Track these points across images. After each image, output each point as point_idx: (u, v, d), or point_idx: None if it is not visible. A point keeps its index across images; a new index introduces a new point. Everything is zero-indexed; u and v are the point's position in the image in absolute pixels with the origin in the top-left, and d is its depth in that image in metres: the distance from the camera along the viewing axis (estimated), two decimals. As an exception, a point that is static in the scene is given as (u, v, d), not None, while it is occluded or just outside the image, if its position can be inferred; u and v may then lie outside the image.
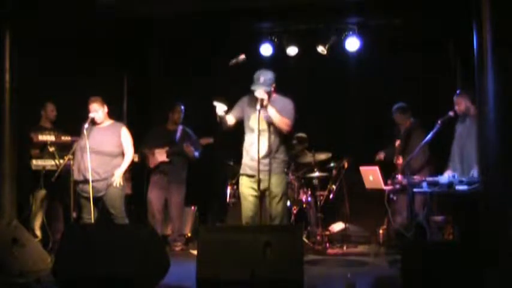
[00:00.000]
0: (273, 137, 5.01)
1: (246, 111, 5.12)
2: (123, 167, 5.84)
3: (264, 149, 4.95)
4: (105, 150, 5.76)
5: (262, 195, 4.98)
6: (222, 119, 4.96)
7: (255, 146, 4.84)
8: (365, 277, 4.96)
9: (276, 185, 5.00)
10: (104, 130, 5.84)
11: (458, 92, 5.35)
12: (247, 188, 5.04)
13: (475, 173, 4.91)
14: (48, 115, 6.42)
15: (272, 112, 4.90)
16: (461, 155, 5.19)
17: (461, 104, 5.21)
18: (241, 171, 5.11)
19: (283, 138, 5.08)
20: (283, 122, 4.93)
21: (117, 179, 5.78)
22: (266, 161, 4.96)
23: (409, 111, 6.48)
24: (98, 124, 5.82)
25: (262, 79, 4.95)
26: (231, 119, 5.08)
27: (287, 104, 5.08)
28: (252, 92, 4.96)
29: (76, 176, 5.74)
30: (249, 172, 5.01)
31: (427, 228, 6.06)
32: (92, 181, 5.67)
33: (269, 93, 4.93)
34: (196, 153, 6.68)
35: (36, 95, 6.37)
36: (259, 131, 4.83)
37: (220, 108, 4.91)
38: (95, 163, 5.70)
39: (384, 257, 5.95)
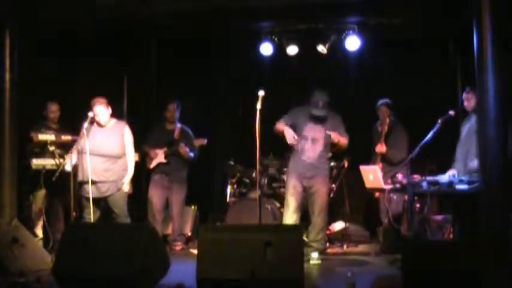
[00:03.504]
0: (323, 146, 5.92)
1: (299, 121, 5.96)
2: (131, 171, 5.89)
3: (315, 154, 5.88)
4: (109, 153, 5.77)
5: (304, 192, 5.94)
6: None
7: (307, 151, 5.87)
8: (365, 277, 4.96)
9: (323, 184, 5.91)
10: (107, 132, 5.83)
11: (467, 88, 5.32)
12: (297, 181, 5.89)
13: (474, 163, 4.90)
14: (49, 116, 6.40)
15: (340, 140, 5.87)
16: (467, 153, 5.17)
17: (472, 99, 5.18)
18: (290, 171, 6.01)
19: (329, 146, 6.01)
20: (344, 142, 5.93)
21: (127, 186, 5.83)
22: (316, 163, 5.88)
23: (391, 107, 6.52)
24: (101, 125, 5.82)
25: (321, 103, 5.85)
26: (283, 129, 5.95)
27: (339, 121, 6.02)
28: (304, 103, 5.97)
29: (80, 177, 5.75)
30: (301, 170, 5.88)
31: (427, 228, 6.08)
32: (98, 182, 5.70)
33: (326, 113, 5.90)
34: (191, 154, 6.63)
35: (36, 95, 6.37)
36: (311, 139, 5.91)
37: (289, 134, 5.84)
38: (100, 166, 5.72)
39: (383, 257, 5.95)
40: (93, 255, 4.22)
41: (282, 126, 5.91)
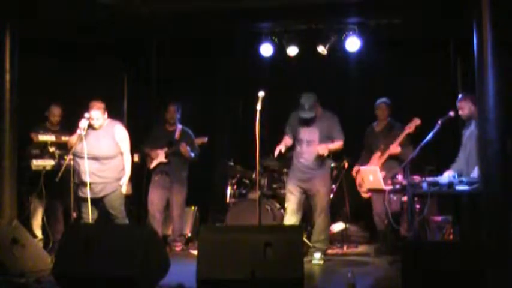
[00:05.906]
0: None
1: (294, 126, 6.02)
2: (128, 171, 5.87)
3: (311, 156, 5.88)
4: (101, 155, 5.77)
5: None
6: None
7: (303, 154, 5.91)
8: (365, 277, 4.96)
9: (322, 185, 5.93)
10: (99, 133, 5.82)
11: (461, 96, 5.29)
12: (294, 185, 5.96)
13: (474, 173, 4.90)
14: (50, 118, 6.38)
15: (331, 148, 5.87)
16: (468, 159, 5.14)
17: (465, 108, 5.16)
18: (289, 174, 6.18)
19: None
20: (339, 146, 5.98)
21: (125, 187, 5.84)
22: (312, 165, 5.90)
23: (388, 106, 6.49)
24: (94, 128, 5.81)
25: (307, 105, 5.83)
26: (289, 142, 6.04)
27: (334, 121, 6.01)
28: (298, 108, 5.93)
29: (76, 178, 5.75)
30: (298, 174, 5.96)
31: (427, 229, 6.08)
32: (92, 183, 5.70)
33: (316, 114, 5.88)
34: (192, 154, 6.63)
35: (36, 95, 6.37)
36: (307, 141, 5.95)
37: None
38: (94, 167, 5.72)
39: (383, 258, 5.94)
40: (93, 255, 4.22)
41: (285, 140, 6.04)
